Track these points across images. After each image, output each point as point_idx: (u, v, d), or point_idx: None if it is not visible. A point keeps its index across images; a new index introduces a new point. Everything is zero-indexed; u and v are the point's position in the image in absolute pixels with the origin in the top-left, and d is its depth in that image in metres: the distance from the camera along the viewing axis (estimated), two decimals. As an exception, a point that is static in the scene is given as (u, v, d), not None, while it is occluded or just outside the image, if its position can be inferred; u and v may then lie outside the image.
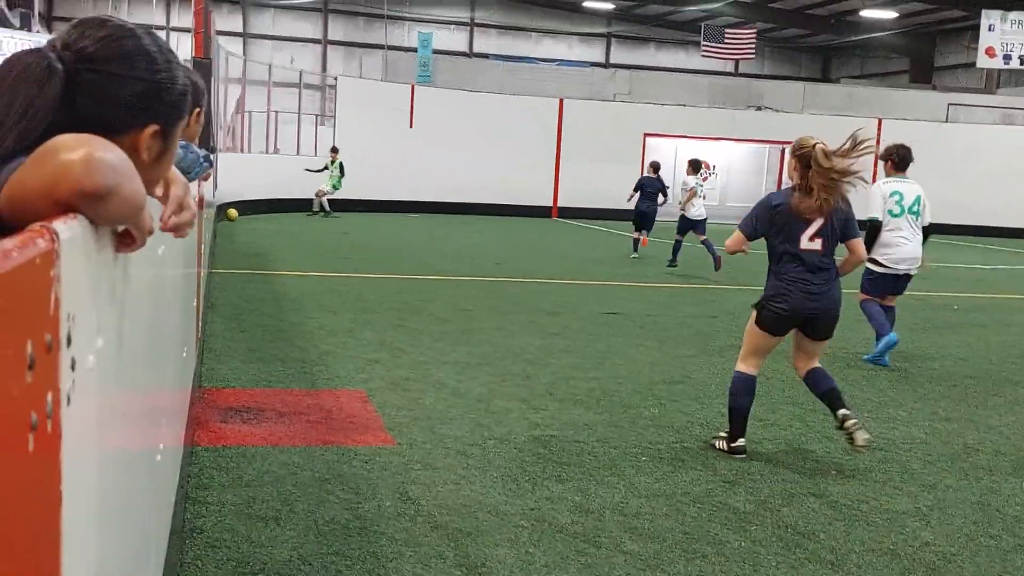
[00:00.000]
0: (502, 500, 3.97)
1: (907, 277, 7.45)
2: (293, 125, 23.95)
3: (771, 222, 4.75)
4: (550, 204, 26.72)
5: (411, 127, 25.26)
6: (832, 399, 4.75)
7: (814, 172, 4.58)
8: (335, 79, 26.30)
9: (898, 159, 7.42)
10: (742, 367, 4.84)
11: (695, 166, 14.07)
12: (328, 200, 21.42)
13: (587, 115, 26.64)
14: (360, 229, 18.28)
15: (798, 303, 4.67)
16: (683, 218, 13.72)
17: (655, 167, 15.70)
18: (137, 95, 1.32)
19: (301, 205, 21.56)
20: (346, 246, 14.86)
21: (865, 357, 7.42)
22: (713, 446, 4.89)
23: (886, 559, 3.62)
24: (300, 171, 21.41)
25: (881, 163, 7.60)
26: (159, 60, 1.36)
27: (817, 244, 4.69)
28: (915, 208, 7.30)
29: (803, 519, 3.96)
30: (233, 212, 19.68)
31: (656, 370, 6.72)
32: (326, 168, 21.36)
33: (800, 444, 5.05)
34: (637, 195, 15.36)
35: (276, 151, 24.04)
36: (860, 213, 5.28)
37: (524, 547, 3.52)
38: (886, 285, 7.45)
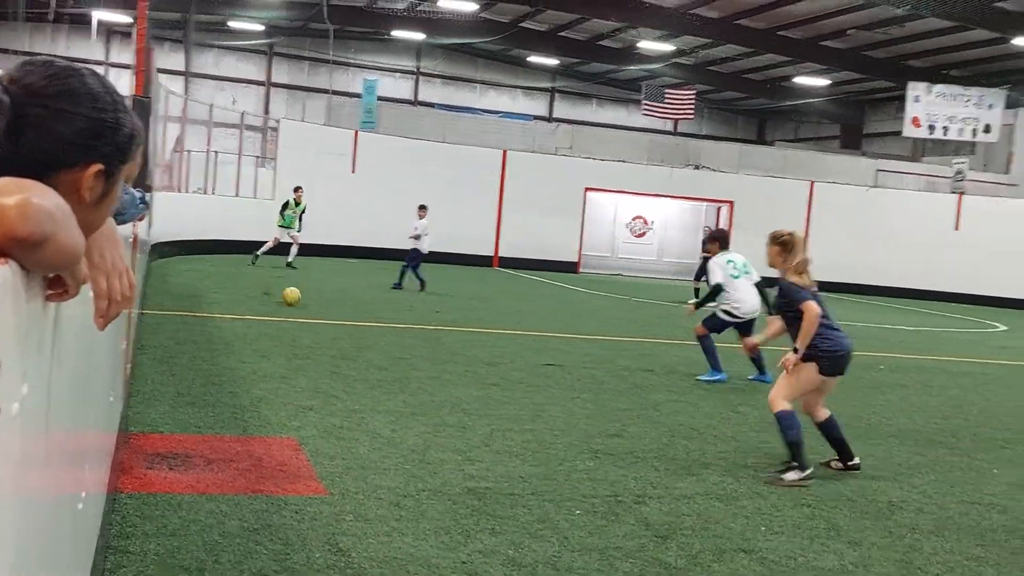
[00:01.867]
0: (434, 553, 3.92)
1: (751, 321, 9.17)
2: (233, 166, 23.74)
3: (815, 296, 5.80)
4: (491, 253, 26.87)
5: (353, 172, 25.26)
6: (842, 448, 5.87)
7: (800, 254, 5.77)
8: (278, 121, 26.22)
9: (722, 241, 9.63)
10: (785, 406, 5.65)
11: (424, 209, 16.95)
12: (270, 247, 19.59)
13: (529, 167, 26.98)
14: (298, 273, 18.09)
15: (848, 347, 5.79)
16: (416, 251, 16.72)
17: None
18: (81, 132, 1.31)
19: (244, 247, 20.81)
20: (283, 290, 14.65)
21: (699, 377, 9.14)
22: (780, 479, 5.50)
23: (813, 617, 3.65)
24: (240, 212, 20.99)
25: (709, 244, 9.78)
26: (106, 100, 1.36)
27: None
28: (748, 269, 9.29)
29: (733, 575, 3.99)
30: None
31: (592, 423, 6.74)
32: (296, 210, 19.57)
33: (731, 499, 5.10)
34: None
35: (214, 191, 23.76)
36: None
37: (455, 602, 3.47)
38: (735, 327, 9.17)
